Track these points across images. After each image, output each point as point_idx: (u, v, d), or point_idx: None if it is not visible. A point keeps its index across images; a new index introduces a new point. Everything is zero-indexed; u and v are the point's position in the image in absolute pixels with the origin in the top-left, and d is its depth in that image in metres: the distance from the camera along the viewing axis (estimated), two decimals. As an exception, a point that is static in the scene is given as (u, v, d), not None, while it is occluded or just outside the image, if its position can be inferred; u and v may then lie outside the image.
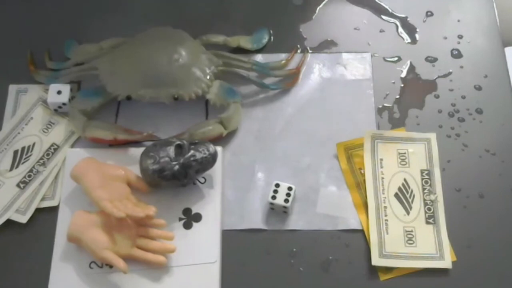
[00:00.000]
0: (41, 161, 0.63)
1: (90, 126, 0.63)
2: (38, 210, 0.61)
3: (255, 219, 0.60)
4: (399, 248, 0.57)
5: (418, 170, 0.61)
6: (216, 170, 0.61)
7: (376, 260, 0.57)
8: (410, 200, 0.60)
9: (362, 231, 0.59)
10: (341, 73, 0.67)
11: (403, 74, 0.67)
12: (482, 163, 0.62)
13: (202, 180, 0.61)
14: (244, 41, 0.69)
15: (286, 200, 0.59)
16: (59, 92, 0.65)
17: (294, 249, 0.59)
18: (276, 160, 0.63)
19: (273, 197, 0.59)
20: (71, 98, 0.65)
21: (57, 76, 0.67)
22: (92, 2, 0.73)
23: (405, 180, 0.61)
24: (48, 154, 0.63)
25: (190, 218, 0.60)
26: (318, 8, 0.71)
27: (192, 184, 0.61)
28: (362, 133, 0.63)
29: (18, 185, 0.62)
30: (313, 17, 0.71)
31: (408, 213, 0.59)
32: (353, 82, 0.67)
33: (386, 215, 0.59)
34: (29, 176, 0.62)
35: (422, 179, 0.60)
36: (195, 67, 0.64)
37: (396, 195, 0.60)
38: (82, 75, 0.66)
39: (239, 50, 0.68)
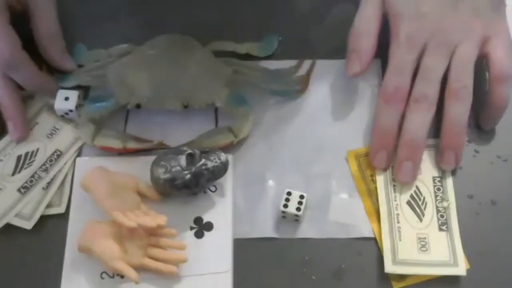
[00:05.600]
0: (44, 167, 0.63)
1: (100, 134, 0.63)
2: (46, 218, 0.61)
3: (267, 228, 0.60)
4: (412, 255, 0.57)
5: (430, 177, 0.61)
6: (227, 179, 0.61)
7: (389, 267, 0.57)
8: (422, 207, 0.59)
9: (374, 239, 0.59)
10: (351, 80, 0.67)
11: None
12: (494, 170, 0.62)
13: (213, 188, 0.61)
14: (253, 48, 0.68)
15: (298, 209, 0.58)
16: (66, 99, 0.64)
17: (306, 258, 0.59)
18: (287, 168, 0.62)
19: (285, 206, 0.59)
20: (78, 105, 0.65)
21: (66, 79, 0.66)
22: (101, 8, 0.73)
23: (417, 187, 0.60)
24: (51, 160, 0.63)
25: (201, 227, 0.59)
26: (327, 14, 0.71)
27: (203, 192, 0.61)
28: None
29: (19, 190, 0.62)
30: (323, 23, 0.71)
31: (420, 220, 0.59)
32: (362, 88, 0.66)
33: (398, 222, 0.59)
34: (31, 181, 0.62)
35: (434, 186, 0.60)
36: (204, 74, 0.64)
37: (408, 202, 0.60)
38: (90, 80, 0.66)
39: (248, 57, 0.68)
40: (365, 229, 0.59)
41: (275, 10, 0.72)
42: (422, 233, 0.58)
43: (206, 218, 0.60)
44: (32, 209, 0.61)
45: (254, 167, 0.63)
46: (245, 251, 0.59)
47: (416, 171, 0.60)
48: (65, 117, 0.65)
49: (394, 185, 0.60)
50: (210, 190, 0.61)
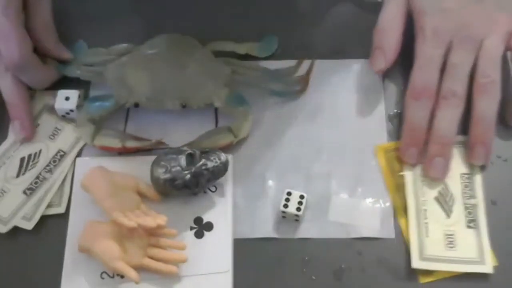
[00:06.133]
0: (48, 167, 0.63)
1: (99, 134, 0.63)
2: (46, 218, 0.61)
3: (267, 228, 0.60)
4: (439, 252, 0.57)
5: (459, 174, 0.61)
6: (227, 179, 0.61)
7: (416, 263, 0.57)
8: (450, 204, 0.60)
9: (374, 239, 0.59)
10: (350, 80, 0.67)
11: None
12: (494, 170, 0.62)
13: (213, 189, 0.61)
14: (253, 48, 0.68)
15: (298, 209, 0.58)
16: (67, 98, 0.64)
17: (306, 258, 0.59)
18: (287, 168, 0.62)
19: (285, 206, 0.59)
20: (79, 105, 0.65)
21: (67, 67, 0.67)
22: (102, 7, 0.73)
23: (445, 183, 0.61)
24: (54, 161, 0.63)
25: (201, 227, 0.59)
26: (327, 15, 0.71)
27: (203, 192, 0.61)
28: (373, 140, 0.63)
29: (24, 192, 0.62)
30: (323, 23, 0.71)
31: (448, 216, 0.59)
32: (363, 88, 0.66)
33: (426, 218, 0.59)
34: (36, 183, 0.62)
35: (462, 183, 0.60)
36: (203, 74, 0.64)
37: (436, 198, 0.60)
38: (90, 76, 0.66)
39: (247, 57, 0.68)
40: (365, 229, 0.59)
41: (275, 10, 0.72)
42: (449, 230, 0.58)
43: (206, 218, 0.60)
44: (33, 209, 0.61)
45: (254, 167, 0.63)
46: (245, 251, 0.59)
47: (447, 168, 0.60)
48: (66, 117, 0.65)
49: (423, 181, 0.61)
50: (210, 190, 0.61)
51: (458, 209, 0.59)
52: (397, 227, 0.59)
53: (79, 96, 0.65)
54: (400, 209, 0.60)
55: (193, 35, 0.67)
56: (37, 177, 0.62)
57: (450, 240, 0.58)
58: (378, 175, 0.62)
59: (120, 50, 0.68)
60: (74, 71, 0.66)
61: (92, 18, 0.72)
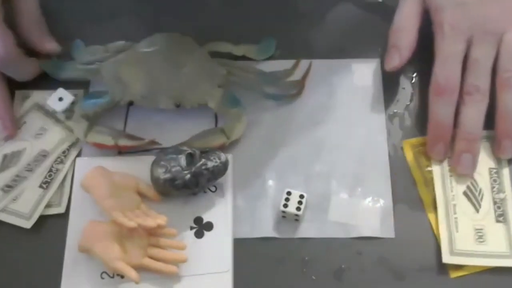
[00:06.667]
0: (29, 166, 0.63)
1: (92, 131, 0.63)
2: (46, 217, 0.61)
3: (267, 228, 0.60)
4: (469, 246, 0.58)
5: (487, 169, 0.61)
6: (227, 179, 0.61)
7: (446, 258, 0.57)
8: (479, 198, 0.60)
9: (374, 239, 0.59)
10: (350, 80, 0.67)
11: (414, 80, 0.67)
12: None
13: (213, 188, 0.61)
14: (250, 50, 0.68)
15: (298, 208, 0.58)
16: (60, 99, 0.65)
17: (306, 258, 0.59)
18: (286, 167, 0.62)
19: (285, 205, 0.59)
20: (72, 104, 0.65)
21: (62, 69, 0.66)
22: (100, 6, 0.73)
23: (473, 178, 0.61)
24: (37, 160, 0.63)
25: (201, 227, 0.59)
26: (327, 15, 0.71)
27: (203, 192, 0.61)
28: (373, 140, 0.63)
29: (2, 189, 0.62)
30: (322, 23, 0.71)
31: (477, 211, 0.59)
32: (362, 88, 0.66)
33: (455, 213, 0.59)
34: (15, 180, 0.62)
35: (491, 177, 0.61)
36: (199, 74, 0.64)
37: (465, 193, 0.60)
38: (86, 75, 0.66)
39: (245, 59, 0.68)
40: (365, 229, 0.59)
41: (274, 10, 0.72)
42: (479, 224, 0.59)
43: (206, 218, 0.60)
44: (32, 208, 0.61)
45: (254, 167, 0.63)
46: (245, 251, 0.59)
47: (475, 163, 0.61)
48: (57, 115, 0.66)
49: (451, 176, 0.61)
50: (210, 190, 0.61)
51: (487, 204, 0.60)
52: (397, 227, 0.60)
53: (73, 102, 0.65)
54: (429, 204, 0.60)
55: (191, 35, 0.67)
56: (17, 175, 0.63)
57: (480, 235, 0.58)
58: (378, 175, 0.62)
59: (117, 48, 0.68)
60: (70, 74, 0.66)
61: (91, 18, 0.72)
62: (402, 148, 0.63)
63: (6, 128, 0.64)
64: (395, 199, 0.61)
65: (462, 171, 0.60)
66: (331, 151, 0.63)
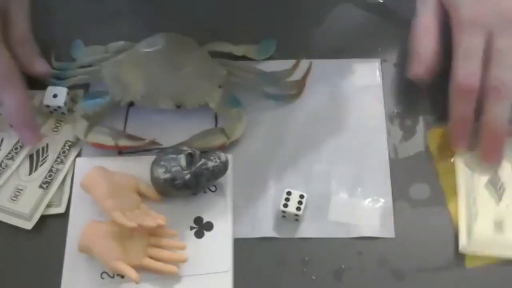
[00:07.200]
0: (10, 155, 0.63)
1: (92, 131, 0.63)
2: (46, 217, 0.60)
3: (267, 228, 0.60)
4: (488, 237, 0.58)
5: (510, 163, 0.61)
6: (227, 179, 0.61)
7: (464, 247, 0.58)
8: (500, 191, 0.60)
9: (374, 239, 0.59)
10: (350, 80, 0.67)
11: (414, 80, 0.67)
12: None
13: (213, 188, 0.61)
14: (250, 50, 0.68)
15: (298, 208, 0.58)
16: (55, 96, 0.64)
17: (306, 258, 0.59)
18: (287, 168, 0.62)
19: (285, 205, 0.59)
20: (67, 102, 0.65)
21: (63, 78, 0.66)
22: (100, 7, 0.73)
23: (495, 171, 0.61)
24: (16, 148, 0.64)
25: (201, 227, 0.59)
26: (327, 15, 0.71)
27: (203, 192, 0.61)
28: (373, 140, 0.63)
29: None
30: (322, 23, 0.71)
31: (497, 203, 0.60)
32: (362, 88, 0.66)
33: (475, 204, 0.60)
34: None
35: None
36: (198, 75, 0.64)
37: (486, 185, 0.61)
38: (87, 78, 0.66)
39: (245, 59, 0.68)
40: (365, 229, 0.59)
41: (274, 10, 0.72)
42: (498, 217, 0.59)
43: (206, 218, 0.60)
44: (32, 208, 0.61)
45: (254, 167, 0.63)
46: (245, 251, 0.59)
47: (502, 156, 0.60)
48: (54, 113, 0.66)
49: (474, 168, 0.61)
50: (210, 190, 0.61)
51: (508, 197, 0.60)
52: (397, 227, 0.60)
53: (68, 93, 0.65)
54: (450, 194, 0.61)
55: (191, 35, 0.67)
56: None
57: (499, 227, 0.59)
58: (378, 175, 0.62)
59: (117, 48, 0.68)
60: (69, 81, 0.66)
61: (91, 18, 0.72)
62: (426, 137, 0.64)
63: (37, 137, 0.64)
64: (395, 199, 0.61)
65: (489, 165, 0.60)
66: (331, 151, 0.63)
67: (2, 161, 0.63)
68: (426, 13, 0.64)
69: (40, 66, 0.66)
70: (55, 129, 0.65)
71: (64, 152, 0.64)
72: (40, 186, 0.62)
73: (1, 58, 0.61)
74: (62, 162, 0.63)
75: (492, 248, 0.58)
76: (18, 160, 0.63)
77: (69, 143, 0.64)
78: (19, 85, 0.62)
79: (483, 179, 0.61)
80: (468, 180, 0.61)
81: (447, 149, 0.62)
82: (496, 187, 0.60)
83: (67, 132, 0.65)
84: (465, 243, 0.58)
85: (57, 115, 0.66)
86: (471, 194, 0.60)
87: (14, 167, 0.63)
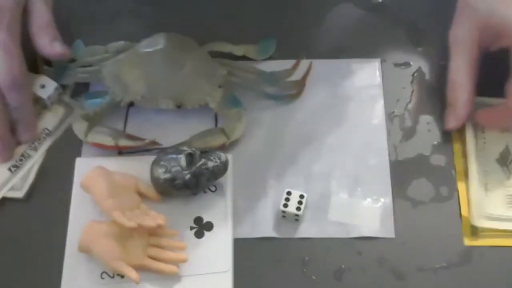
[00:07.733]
0: None
1: (92, 131, 0.63)
2: (46, 217, 0.61)
3: (267, 228, 0.60)
4: (500, 211, 0.59)
5: None
6: (227, 179, 0.61)
7: (476, 221, 0.58)
8: (511, 166, 0.61)
9: (374, 239, 0.59)
10: (350, 80, 0.67)
11: (414, 80, 0.67)
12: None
13: (213, 188, 0.61)
14: (250, 50, 0.68)
15: (298, 208, 0.58)
16: (43, 86, 0.65)
17: (306, 258, 0.59)
18: (286, 167, 0.62)
19: (285, 205, 0.59)
20: (52, 97, 0.65)
21: (63, 75, 0.66)
22: (101, 7, 0.73)
23: (506, 145, 0.62)
24: None
25: (201, 227, 0.59)
26: (327, 15, 0.71)
27: (203, 192, 0.61)
28: (373, 140, 0.63)
29: None
30: (322, 23, 0.71)
31: (508, 178, 0.61)
32: (362, 88, 0.66)
33: (486, 178, 0.60)
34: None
35: None
36: (199, 75, 0.64)
37: (497, 159, 0.61)
38: (87, 78, 0.66)
39: (245, 59, 0.68)
40: (365, 229, 0.59)
41: (274, 10, 0.72)
42: (510, 190, 0.60)
43: (206, 218, 0.60)
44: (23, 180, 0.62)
45: (254, 167, 0.63)
46: (245, 251, 0.59)
47: None
48: (41, 103, 0.66)
49: (484, 142, 0.62)
50: (210, 190, 0.61)
51: None
52: (397, 227, 0.60)
53: (56, 89, 0.65)
54: (461, 174, 0.61)
55: (191, 35, 0.67)
56: None
57: (509, 200, 0.59)
58: (378, 175, 0.62)
59: (117, 48, 0.68)
60: (70, 79, 0.66)
61: (91, 18, 0.72)
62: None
63: (2, 153, 0.63)
64: (395, 199, 0.61)
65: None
66: (331, 151, 0.63)
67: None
68: (459, 56, 0.62)
69: (61, 48, 0.66)
70: (37, 115, 0.65)
71: (39, 139, 0.64)
72: (9, 169, 0.62)
73: (15, 61, 0.61)
74: (35, 148, 0.64)
75: (503, 221, 0.58)
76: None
77: (47, 131, 0.64)
78: (26, 88, 0.62)
79: (495, 154, 0.62)
80: (479, 155, 0.61)
81: (462, 129, 0.63)
82: (507, 162, 0.61)
83: (48, 120, 0.65)
84: (477, 217, 0.58)
85: (41, 103, 0.66)
86: (483, 167, 0.61)
87: None
